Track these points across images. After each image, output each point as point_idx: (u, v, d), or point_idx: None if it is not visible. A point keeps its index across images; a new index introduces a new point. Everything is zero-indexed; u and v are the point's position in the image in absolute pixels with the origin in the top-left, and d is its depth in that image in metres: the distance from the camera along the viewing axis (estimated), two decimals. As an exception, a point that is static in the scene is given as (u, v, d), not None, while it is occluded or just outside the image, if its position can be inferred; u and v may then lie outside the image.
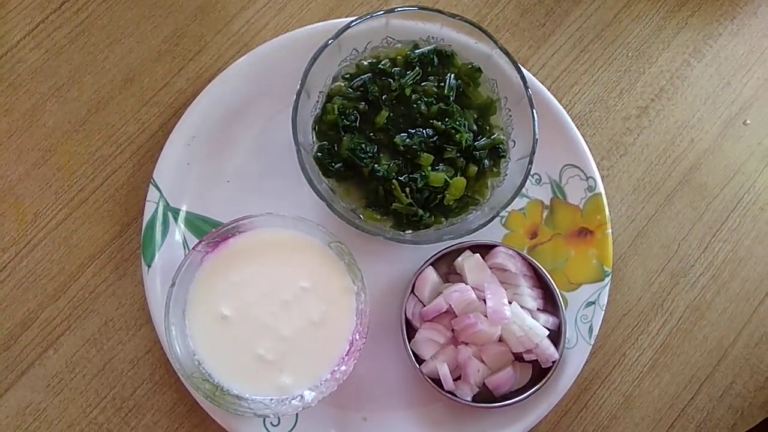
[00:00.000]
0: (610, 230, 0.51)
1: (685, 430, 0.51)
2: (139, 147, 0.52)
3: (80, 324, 0.50)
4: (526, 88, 0.48)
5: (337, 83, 0.50)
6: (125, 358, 0.49)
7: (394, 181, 0.47)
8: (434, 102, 0.49)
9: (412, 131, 0.49)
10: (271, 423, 0.47)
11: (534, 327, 0.47)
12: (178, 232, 0.50)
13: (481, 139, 0.49)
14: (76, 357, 0.49)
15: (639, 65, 0.58)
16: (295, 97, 0.46)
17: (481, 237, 0.48)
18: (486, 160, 0.50)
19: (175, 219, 0.50)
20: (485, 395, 0.48)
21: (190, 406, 0.49)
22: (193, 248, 0.45)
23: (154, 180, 0.50)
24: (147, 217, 0.49)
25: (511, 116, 0.50)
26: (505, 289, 0.48)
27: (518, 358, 0.48)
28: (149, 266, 0.48)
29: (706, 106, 0.57)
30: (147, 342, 0.50)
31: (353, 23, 0.47)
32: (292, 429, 0.47)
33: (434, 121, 0.49)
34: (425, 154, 0.48)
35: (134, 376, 0.49)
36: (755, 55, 0.59)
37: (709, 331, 0.53)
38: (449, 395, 0.47)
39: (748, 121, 0.57)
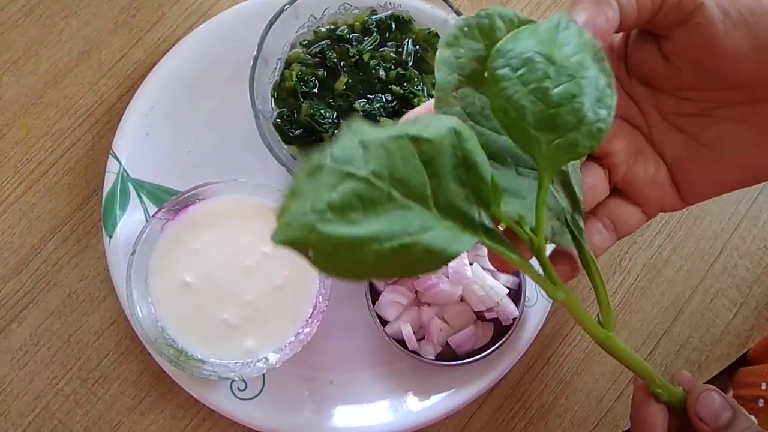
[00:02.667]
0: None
1: (644, 384, 0.53)
2: (97, 119, 0.52)
3: (43, 297, 0.50)
4: (482, 51, 0.48)
5: (295, 50, 0.50)
6: (90, 330, 0.49)
7: (354, 146, 0.48)
8: (392, 67, 0.50)
9: (371, 97, 0.49)
10: (238, 388, 0.48)
11: (494, 286, 0.48)
12: (139, 202, 0.50)
13: (439, 103, 0.50)
14: (41, 330, 0.49)
15: (595, 30, 0.58)
16: (251, 63, 0.46)
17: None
18: (445, 125, 0.50)
19: (136, 190, 0.50)
20: (448, 354, 0.49)
21: (156, 375, 0.49)
22: (153, 216, 0.45)
23: (113, 151, 0.50)
24: (107, 188, 0.49)
25: (468, 80, 0.51)
26: (467, 251, 0.49)
27: (480, 317, 0.49)
28: (111, 237, 0.48)
29: (661, 70, 0.58)
30: (111, 313, 0.50)
31: (308, -11, 0.47)
32: (258, 394, 0.48)
33: (393, 86, 0.49)
34: (385, 119, 0.49)
35: (99, 347, 0.49)
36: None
37: (665, 288, 0.55)
38: (413, 355, 0.47)
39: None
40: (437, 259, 0.26)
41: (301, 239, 0.24)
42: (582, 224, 0.34)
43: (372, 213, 0.25)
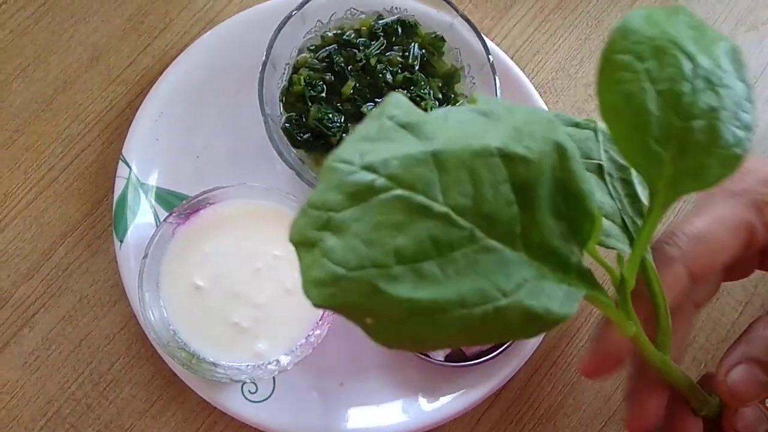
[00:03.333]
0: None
1: (651, 383, 0.53)
2: (107, 125, 0.53)
3: (55, 302, 0.50)
4: (488, 54, 0.49)
5: (303, 55, 0.50)
6: (101, 334, 0.50)
7: (362, 149, 0.48)
8: (399, 71, 0.50)
9: (379, 100, 0.50)
10: (249, 391, 0.48)
11: (503, 287, 0.48)
12: (150, 207, 0.50)
13: (446, 106, 0.51)
14: (52, 334, 0.49)
15: (599, 33, 0.59)
16: (260, 69, 0.47)
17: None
18: (452, 128, 0.51)
19: (146, 195, 0.50)
20: (457, 355, 0.49)
21: (168, 378, 0.49)
22: (164, 220, 0.46)
23: (123, 156, 0.50)
24: (118, 193, 0.50)
25: (474, 84, 0.51)
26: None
27: (488, 318, 0.49)
28: (122, 242, 0.49)
29: (664, 72, 0.59)
30: (122, 317, 0.50)
31: (316, -6, 0.48)
32: (269, 396, 0.48)
33: (400, 90, 0.50)
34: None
35: (111, 351, 0.50)
36: (710, 21, 0.60)
37: (671, 287, 0.55)
38: (422, 356, 0.48)
39: (705, 85, 0.59)
40: (540, 323, 0.20)
41: (354, 305, 0.18)
42: (641, 228, 0.28)
43: (449, 262, 0.19)
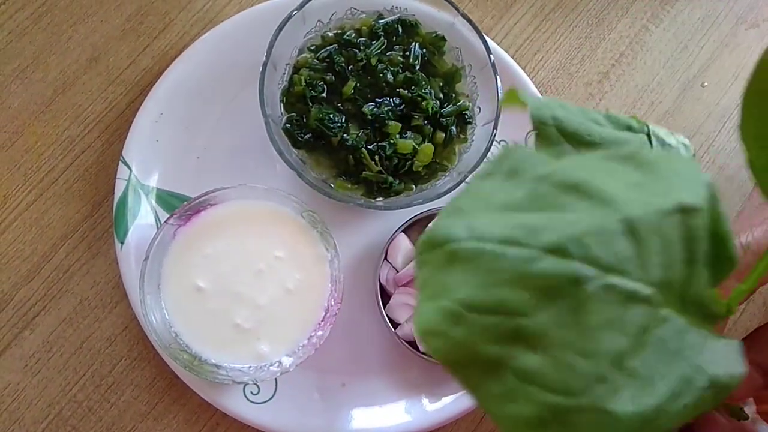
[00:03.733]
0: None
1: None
2: (107, 126, 0.52)
3: (55, 304, 0.50)
4: (489, 53, 0.49)
5: (303, 55, 0.50)
6: (102, 336, 0.50)
7: (363, 149, 0.48)
8: (400, 71, 0.50)
9: (380, 100, 0.49)
10: (251, 392, 0.48)
11: (505, 287, 0.48)
12: (150, 208, 0.50)
13: (447, 106, 0.50)
14: (53, 336, 0.49)
15: (599, 32, 0.59)
16: (261, 69, 0.47)
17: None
18: (453, 127, 0.50)
19: (147, 196, 0.50)
20: (460, 355, 0.49)
21: (169, 380, 0.49)
22: (165, 222, 0.45)
23: (123, 158, 0.50)
24: (118, 194, 0.49)
25: (476, 83, 0.51)
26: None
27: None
28: (122, 243, 0.49)
29: (664, 70, 0.59)
30: (123, 319, 0.50)
31: (316, -6, 0.48)
32: (271, 397, 0.48)
33: (401, 89, 0.49)
34: (393, 122, 0.49)
35: (112, 353, 0.49)
36: (711, 18, 0.60)
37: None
38: (425, 357, 0.48)
39: (706, 83, 0.59)
40: (726, 390, 0.17)
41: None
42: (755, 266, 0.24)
43: (646, 349, 0.15)
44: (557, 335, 0.14)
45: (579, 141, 0.25)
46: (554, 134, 0.24)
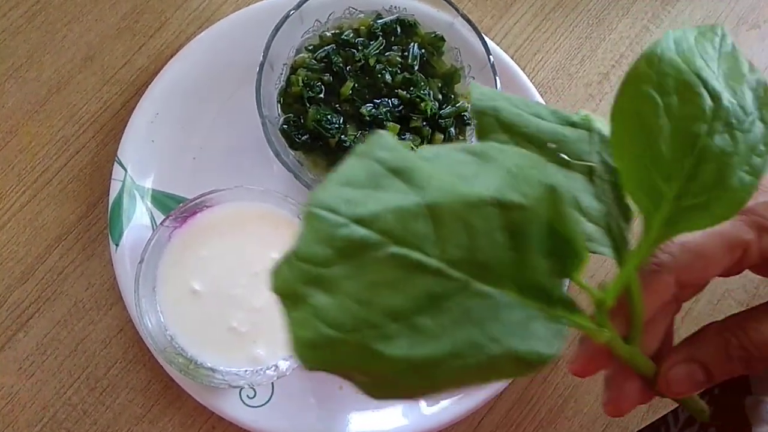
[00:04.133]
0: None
1: (653, 386, 0.53)
2: (102, 126, 0.52)
3: (49, 306, 0.49)
4: (488, 54, 0.48)
5: (301, 55, 0.50)
6: (97, 338, 0.49)
7: (361, 151, 0.48)
8: (398, 72, 0.49)
9: (378, 101, 0.49)
10: (247, 395, 0.47)
11: (503, 290, 0.48)
12: (146, 210, 0.50)
13: (446, 107, 0.50)
14: (47, 339, 0.49)
15: (599, 32, 0.58)
16: (258, 69, 0.46)
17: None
18: (452, 129, 0.50)
19: (142, 197, 0.50)
20: (458, 359, 0.49)
21: (165, 383, 0.49)
22: (161, 224, 0.45)
23: (118, 158, 0.49)
24: (113, 195, 0.49)
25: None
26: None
27: (489, 321, 0.49)
28: (117, 245, 0.48)
29: (665, 71, 0.58)
30: (118, 321, 0.49)
31: (313, -6, 0.47)
32: (268, 401, 0.48)
33: (399, 90, 0.49)
34: (391, 123, 0.48)
35: (107, 355, 0.49)
36: (712, 19, 0.60)
37: (673, 289, 0.55)
38: (422, 360, 0.47)
39: (706, 84, 0.58)
40: (531, 365, 0.20)
41: (347, 365, 0.18)
42: (628, 236, 0.29)
43: (443, 313, 0.19)
44: (343, 285, 0.18)
45: (515, 133, 0.26)
46: (493, 125, 0.27)
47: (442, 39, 0.51)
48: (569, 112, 0.31)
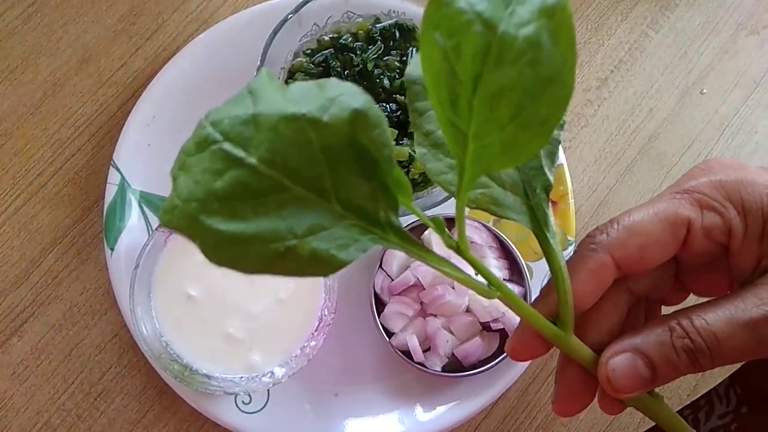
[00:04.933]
0: (572, 201, 0.52)
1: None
2: (98, 129, 0.52)
3: (44, 310, 0.49)
4: (487, 60, 0.48)
5: (299, 59, 0.49)
6: (92, 343, 0.49)
7: (358, 156, 0.47)
8: (397, 76, 0.49)
9: (376, 106, 0.49)
10: (242, 401, 0.47)
11: (500, 297, 0.47)
12: (141, 214, 0.49)
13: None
14: (41, 343, 0.48)
15: (598, 38, 0.58)
16: (255, 73, 0.46)
17: (448, 210, 0.49)
18: (450, 134, 0.50)
19: (138, 201, 0.49)
20: (455, 365, 0.48)
21: (160, 388, 0.48)
22: (156, 229, 0.45)
23: (114, 162, 0.49)
24: (108, 199, 0.49)
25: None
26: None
27: (486, 327, 0.49)
28: (112, 249, 0.48)
29: (664, 77, 0.58)
30: (113, 326, 0.49)
31: (311, -2, 0.47)
32: (263, 407, 0.48)
33: (397, 95, 0.49)
34: (389, 128, 0.48)
35: (102, 360, 0.49)
36: (710, 25, 0.60)
37: (670, 295, 0.55)
38: (419, 366, 0.47)
39: (705, 90, 0.58)
40: (326, 264, 0.24)
41: (185, 228, 0.22)
42: (548, 206, 0.30)
43: (262, 205, 0.23)
44: (192, 169, 0.23)
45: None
46: (421, 92, 0.29)
47: (441, 44, 0.50)
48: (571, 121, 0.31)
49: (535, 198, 0.30)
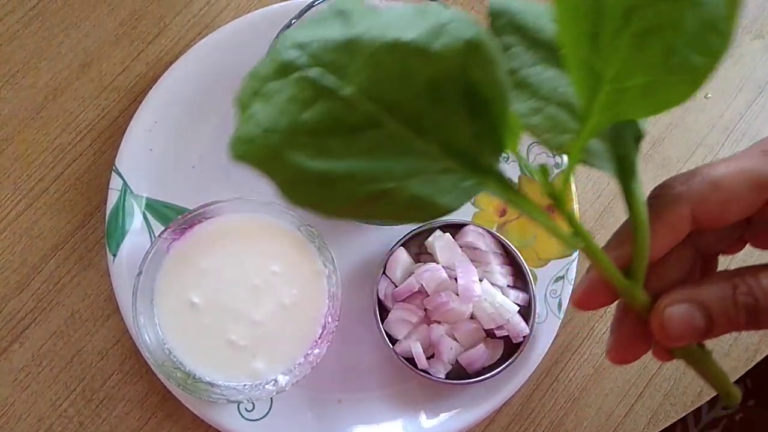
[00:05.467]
0: (577, 206, 0.52)
1: (653, 399, 0.52)
2: (99, 134, 0.51)
3: (45, 316, 0.49)
4: (492, 65, 0.47)
5: (302, 64, 0.49)
6: (94, 350, 0.48)
7: (362, 162, 0.47)
8: (400, 81, 0.49)
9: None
10: (245, 409, 0.47)
11: (504, 303, 0.47)
12: (143, 220, 0.49)
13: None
14: (43, 350, 0.48)
15: (603, 41, 0.58)
16: (259, 79, 0.46)
17: (451, 216, 0.48)
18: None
19: (140, 207, 0.49)
20: (459, 372, 0.48)
21: (162, 395, 0.48)
22: (159, 236, 0.44)
23: (116, 167, 0.49)
24: (110, 205, 0.48)
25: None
26: (476, 267, 0.48)
27: (490, 334, 0.48)
28: (114, 255, 0.48)
29: (668, 81, 0.58)
30: (115, 332, 0.49)
31: (316, 2, 0.46)
32: (266, 414, 0.47)
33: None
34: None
35: (104, 367, 0.48)
36: (715, 29, 0.59)
37: (674, 301, 0.54)
38: (423, 373, 0.47)
39: (709, 95, 0.58)
40: (426, 210, 0.21)
41: (264, 162, 0.20)
42: (636, 157, 0.27)
43: (354, 141, 0.20)
44: (273, 97, 0.20)
45: (528, 36, 0.26)
46: (507, 27, 0.26)
47: (445, 48, 0.50)
48: None
49: (624, 147, 0.27)
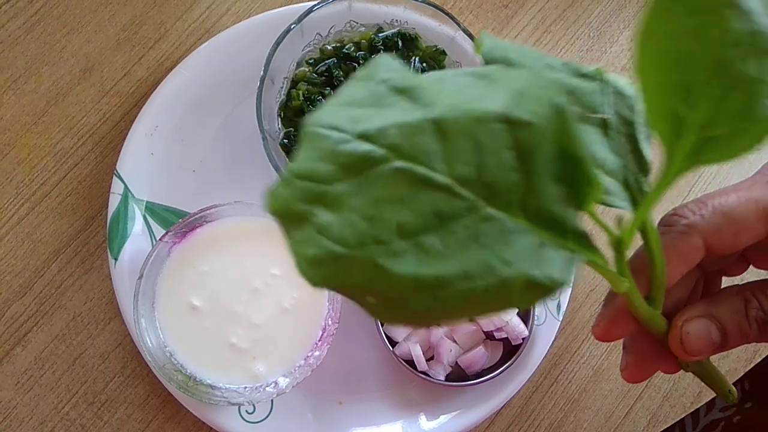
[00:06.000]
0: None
1: (653, 400, 0.53)
2: (101, 138, 0.52)
3: (47, 320, 0.49)
4: (490, 69, 0.48)
5: (302, 68, 0.49)
6: (95, 353, 0.49)
7: (361, 165, 0.47)
8: (399, 85, 0.49)
9: (378, 115, 0.49)
10: (246, 411, 0.47)
11: (504, 306, 0.47)
12: (145, 223, 0.49)
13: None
14: (45, 353, 0.48)
15: (601, 44, 0.58)
16: (258, 83, 0.46)
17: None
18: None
19: (141, 211, 0.49)
20: (458, 374, 0.48)
21: (163, 398, 0.48)
22: (160, 239, 0.45)
23: (117, 171, 0.49)
24: (112, 209, 0.49)
25: (476, 98, 0.50)
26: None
27: (489, 336, 0.49)
28: (116, 259, 0.48)
29: (666, 84, 0.58)
30: (117, 336, 0.49)
31: (315, 7, 0.47)
32: (267, 416, 0.48)
33: (400, 104, 0.49)
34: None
35: (105, 370, 0.49)
36: (712, 32, 0.60)
37: (673, 303, 0.55)
38: (423, 376, 0.47)
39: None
40: (543, 290, 0.20)
41: (359, 283, 0.18)
42: (646, 190, 0.28)
43: (450, 234, 0.18)
44: (348, 202, 0.18)
45: None
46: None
47: (444, 53, 0.50)
48: (581, 64, 0.30)
49: (635, 182, 0.28)
